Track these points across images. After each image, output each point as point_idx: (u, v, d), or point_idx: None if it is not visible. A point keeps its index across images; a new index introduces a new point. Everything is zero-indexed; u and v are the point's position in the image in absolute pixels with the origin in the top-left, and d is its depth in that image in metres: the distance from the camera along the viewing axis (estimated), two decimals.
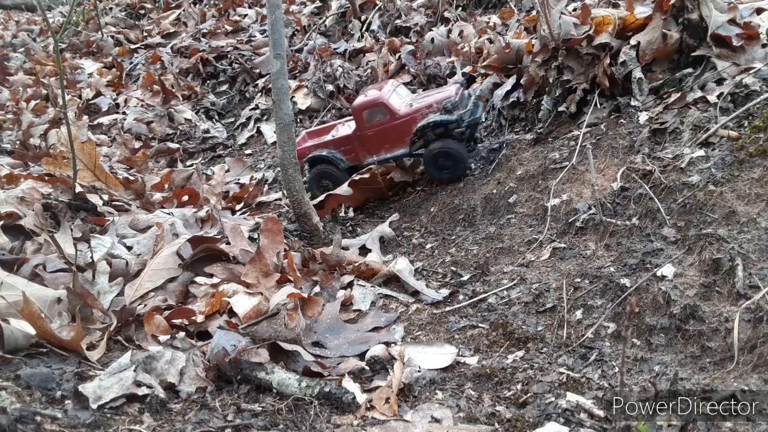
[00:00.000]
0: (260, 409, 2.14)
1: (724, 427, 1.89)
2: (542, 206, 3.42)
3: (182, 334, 2.47)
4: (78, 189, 3.59)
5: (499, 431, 2.05)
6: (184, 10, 9.23)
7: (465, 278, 3.18)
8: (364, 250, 3.68)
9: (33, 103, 6.33)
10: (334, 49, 6.32)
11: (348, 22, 7.15)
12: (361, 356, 2.53)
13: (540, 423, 2.04)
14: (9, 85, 7.15)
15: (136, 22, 9.74)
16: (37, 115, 6.03)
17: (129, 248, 3.18)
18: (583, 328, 2.54)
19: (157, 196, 4.28)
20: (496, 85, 4.51)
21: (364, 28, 6.79)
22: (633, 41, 3.63)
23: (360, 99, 4.26)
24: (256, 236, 3.47)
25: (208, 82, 7.16)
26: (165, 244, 3.08)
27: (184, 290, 2.92)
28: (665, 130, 3.25)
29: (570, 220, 3.19)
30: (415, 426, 2.06)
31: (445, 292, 3.07)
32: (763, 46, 3.34)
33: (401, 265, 3.26)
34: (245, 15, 8.56)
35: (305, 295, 2.86)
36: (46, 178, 3.77)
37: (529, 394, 2.21)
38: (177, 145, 5.84)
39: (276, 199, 4.46)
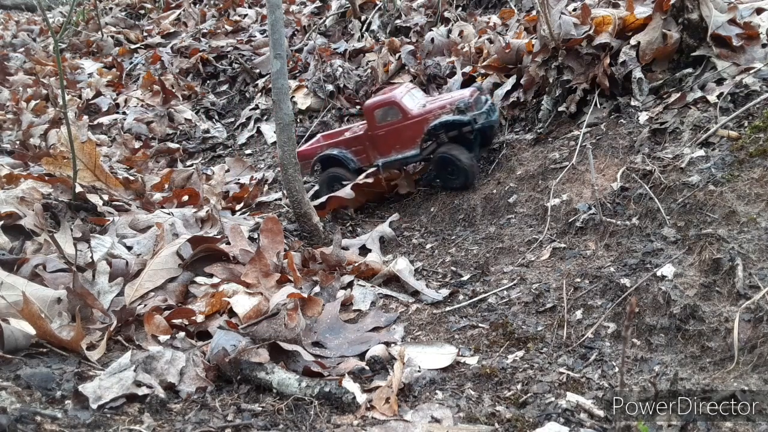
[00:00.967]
0: (260, 409, 2.14)
1: (724, 427, 1.89)
2: (542, 206, 3.42)
3: (182, 334, 2.47)
4: (78, 189, 3.59)
5: (499, 431, 2.05)
6: (184, 10, 9.23)
7: (465, 278, 3.18)
8: (364, 250, 3.68)
9: (33, 103, 6.33)
10: (334, 49, 6.32)
11: (348, 22, 7.15)
12: (361, 356, 2.53)
13: (540, 423, 2.04)
14: (9, 85, 7.15)
15: (136, 22, 9.74)
16: (37, 115, 6.03)
17: (129, 248, 3.18)
18: (583, 328, 2.54)
19: (157, 196, 4.28)
20: (496, 85, 4.51)
21: (364, 28, 6.78)
22: (633, 41, 3.63)
23: (372, 99, 4.24)
24: (256, 236, 3.47)
25: (208, 82, 7.16)
26: (165, 244, 3.08)
27: (184, 290, 2.92)
28: (665, 130, 3.25)
29: (570, 220, 3.19)
30: (415, 426, 2.06)
31: (445, 292, 3.07)
32: (763, 46, 3.34)
33: (401, 265, 3.26)
34: (245, 15, 8.56)
35: (305, 295, 2.86)
36: (46, 178, 3.77)
37: (529, 394, 2.21)
38: (177, 145, 5.83)
39: (276, 199, 4.45)
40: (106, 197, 3.86)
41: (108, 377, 2.11)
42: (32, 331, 2.26)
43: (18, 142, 5.40)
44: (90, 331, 2.49)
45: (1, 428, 1.70)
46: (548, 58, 3.98)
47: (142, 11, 10.23)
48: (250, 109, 6.30)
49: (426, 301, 3.02)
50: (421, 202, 4.16)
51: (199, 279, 3.00)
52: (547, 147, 3.83)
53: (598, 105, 3.75)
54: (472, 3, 6.61)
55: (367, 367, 2.44)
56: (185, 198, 4.12)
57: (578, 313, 2.62)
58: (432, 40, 5.59)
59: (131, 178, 4.42)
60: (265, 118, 6.08)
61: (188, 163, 5.61)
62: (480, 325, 2.74)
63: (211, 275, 3.01)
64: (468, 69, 4.86)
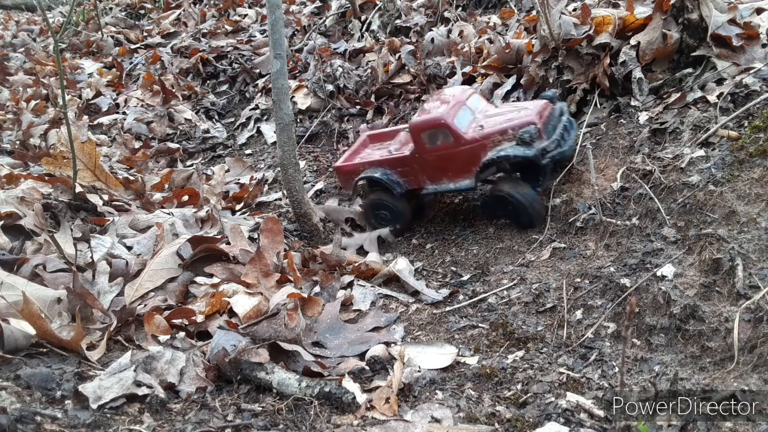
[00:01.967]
0: (260, 409, 2.14)
1: (724, 427, 1.89)
2: (542, 206, 3.41)
3: (182, 334, 2.47)
4: (78, 189, 3.59)
5: (499, 431, 2.05)
6: (184, 10, 9.22)
7: (465, 278, 3.18)
8: (363, 250, 3.68)
9: (33, 103, 6.32)
10: (334, 49, 6.31)
11: (348, 22, 7.15)
12: (361, 356, 2.53)
13: (540, 423, 2.04)
14: (9, 85, 7.15)
15: (136, 22, 9.73)
16: (37, 115, 6.02)
17: (129, 248, 3.18)
18: (583, 328, 2.54)
19: (157, 196, 4.28)
20: (496, 85, 4.51)
21: (364, 28, 6.78)
22: (633, 41, 3.63)
23: (418, 117, 3.52)
24: (256, 236, 3.48)
25: (208, 82, 7.16)
26: (165, 244, 3.08)
27: (184, 290, 2.92)
28: (665, 130, 3.25)
29: (570, 220, 3.19)
30: (415, 426, 2.06)
31: (445, 292, 3.07)
32: (763, 46, 3.34)
33: (401, 265, 3.26)
34: (245, 15, 8.56)
35: (305, 295, 2.86)
36: (46, 178, 3.77)
37: (529, 394, 2.21)
38: (177, 145, 5.83)
39: (276, 199, 4.45)
40: (106, 197, 3.86)
41: (108, 377, 2.11)
42: (32, 331, 2.26)
43: (18, 142, 5.40)
44: (90, 331, 2.49)
45: (1, 428, 1.70)
46: (548, 58, 3.98)
47: (142, 11, 10.22)
48: (250, 109, 6.30)
49: (426, 301, 3.02)
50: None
51: (199, 279, 3.00)
52: None
53: (598, 105, 3.75)
54: (472, 3, 6.61)
55: (367, 367, 2.44)
56: (185, 198, 4.12)
57: (578, 313, 2.62)
58: (432, 40, 5.58)
59: (131, 178, 4.42)
60: (265, 118, 6.08)
61: (188, 163, 5.60)
62: (480, 325, 2.74)
63: (211, 275, 3.02)
64: (468, 69, 4.85)
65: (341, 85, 5.62)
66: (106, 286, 2.78)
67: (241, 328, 2.50)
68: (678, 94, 3.36)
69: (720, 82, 3.29)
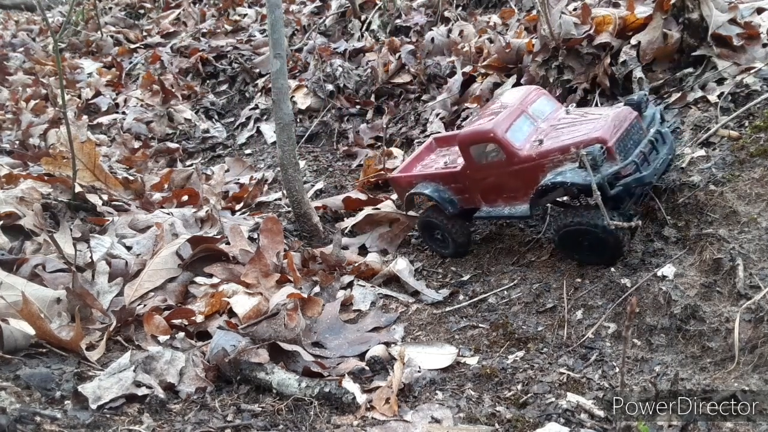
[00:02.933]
0: (260, 409, 2.14)
1: (724, 427, 1.88)
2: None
3: (182, 334, 2.47)
4: (77, 189, 3.58)
5: (500, 431, 2.04)
6: (183, 10, 9.21)
7: (465, 278, 3.18)
8: (363, 250, 3.68)
9: (32, 102, 6.32)
10: (334, 48, 6.31)
11: (348, 21, 7.14)
12: (361, 356, 2.53)
13: (540, 423, 2.04)
14: (8, 84, 7.15)
15: (136, 22, 9.72)
16: (36, 114, 6.02)
17: (128, 248, 3.18)
18: (583, 328, 2.54)
19: (157, 196, 4.28)
20: (496, 85, 4.50)
21: (364, 28, 6.78)
22: (633, 41, 3.63)
23: (467, 129, 3.04)
24: (255, 236, 3.47)
25: (207, 81, 7.15)
26: (164, 244, 3.08)
27: (184, 290, 2.92)
28: None
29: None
30: (415, 426, 2.06)
31: (445, 292, 3.07)
32: (764, 45, 3.34)
33: (401, 265, 3.26)
34: (245, 15, 8.55)
35: (305, 295, 2.86)
36: (46, 178, 3.77)
37: (529, 395, 2.21)
38: (177, 145, 5.82)
39: (276, 199, 4.45)
40: (105, 197, 3.85)
41: (107, 377, 2.10)
42: (32, 331, 2.26)
43: (17, 142, 5.40)
44: (89, 331, 2.48)
45: (0, 428, 1.70)
46: (549, 57, 3.98)
47: (142, 11, 10.21)
48: (250, 109, 6.30)
49: (426, 302, 3.02)
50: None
51: (198, 279, 3.00)
52: None
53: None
54: (472, 2, 6.60)
55: (367, 368, 2.44)
56: (185, 198, 4.11)
57: (578, 313, 2.61)
58: (432, 39, 5.58)
59: (131, 178, 4.42)
60: (265, 118, 6.08)
61: (188, 163, 5.60)
62: (480, 325, 2.74)
63: (210, 275, 3.01)
64: (468, 69, 4.85)
65: (341, 85, 5.62)
66: (106, 286, 2.77)
67: (241, 328, 2.50)
68: (678, 94, 3.36)
69: (720, 81, 3.29)
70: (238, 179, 4.96)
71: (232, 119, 6.49)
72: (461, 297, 3.01)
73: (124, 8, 10.29)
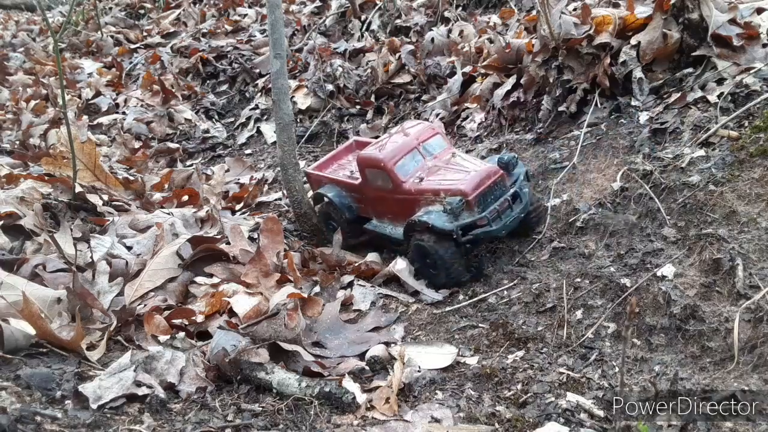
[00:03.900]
0: (260, 409, 2.14)
1: (724, 427, 1.89)
2: (543, 206, 3.41)
3: (182, 334, 2.47)
4: (78, 189, 3.59)
5: (499, 431, 2.05)
6: (183, 10, 9.22)
7: (465, 278, 3.18)
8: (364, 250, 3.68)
9: (33, 103, 6.32)
10: (334, 48, 6.31)
11: (348, 21, 7.14)
12: (361, 356, 2.53)
13: (540, 423, 2.04)
14: (9, 85, 7.15)
15: (136, 22, 9.73)
16: (36, 115, 6.02)
17: (129, 248, 3.18)
18: (583, 328, 2.54)
19: (157, 196, 4.28)
20: (496, 85, 4.50)
21: (364, 28, 6.78)
22: (633, 41, 3.63)
23: (365, 151, 3.38)
24: (256, 236, 3.47)
25: (208, 82, 7.16)
26: (165, 244, 3.08)
27: (184, 290, 2.92)
28: (665, 130, 3.25)
29: (570, 220, 3.19)
30: (415, 426, 2.06)
31: (445, 292, 3.07)
32: (764, 45, 3.34)
33: (401, 265, 3.26)
34: (245, 15, 8.55)
35: (305, 295, 2.86)
36: (46, 178, 3.77)
37: (529, 394, 2.21)
38: (177, 145, 5.83)
39: (276, 199, 4.45)
40: (105, 197, 3.85)
41: (108, 377, 2.11)
42: (32, 331, 2.26)
43: (18, 142, 5.40)
44: (90, 331, 2.49)
45: (1, 428, 1.70)
46: (548, 57, 3.98)
47: (142, 11, 10.22)
48: (250, 109, 6.30)
49: (426, 301, 3.02)
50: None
51: (199, 279, 3.00)
52: (547, 147, 3.83)
53: (599, 105, 3.74)
54: (472, 3, 6.60)
55: (367, 367, 2.44)
56: (185, 198, 4.12)
57: (578, 313, 2.62)
58: (432, 39, 5.58)
59: (131, 178, 4.42)
60: (265, 118, 6.08)
61: (188, 163, 5.60)
62: (480, 325, 2.74)
63: (211, 275, 3.01)
64: (468, 69, 4.85)
65: (341, 85, 5.62)
66: (106, 286, 2.78)
67: (241, 328, 2.50)
68: (678, 94, 3.36)
69: (720, 81, 3.29)
70: (238, 179, 4.96)
71: (232, 119, 6.50)
72: (461, 297, 3.01)
73: (124, 8, 10.30)
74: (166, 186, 4.55)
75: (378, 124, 5.13)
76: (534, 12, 5.03)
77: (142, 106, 6.47)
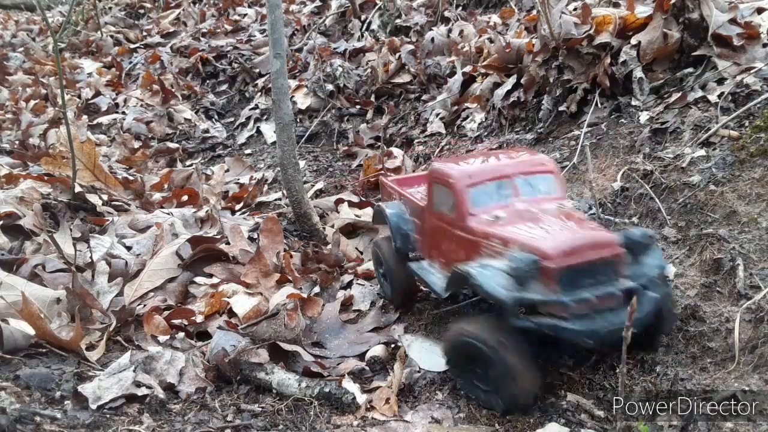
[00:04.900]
0: (260, 409, 2.14)
1: (724, 427, 1.88)
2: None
3: (182, 334, 2.47)
4: (77, 189, 3.58)
5: (499, 431, 2.04)
6: (183, 10, 9.22)
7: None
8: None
9: (32, 102, 6.32)
10: (334, 48, 6.31)
11: (348, 21, 7.14)
12: (361, 356, 2.53)
13: (540, 423, 2.04)
14: (8, 84, 7.15)
15: (136, 22, 9.72)
16: (36, 114, 6.02)
17: (128, 248, 3.18)
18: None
19: (157, 196, 4.28)
20: (497, 85, 4.50)
21: (364, 28, 6.78)
22: (634, 41, 3.63)
23: (440, 162, 2.61)
24: (255, 236, 3.47)
25: (207, 81, 7.15)
26: (164, 244, 3.08)
27: (184, 290, 2.92)
28: (666, 130, 3.25)
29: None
30: (415, 426, 2.06)
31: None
32: (764, 45, 3.33)
33: None
34: (245, 14, 8.55)
35: (305, 295, 2.85)
36: (46, 178, 3.77)
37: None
38: (176, 145, 5.83)
39: (276, 199, 4.45)
40: (105, 197, 3.85)
41: (107, 377, 2.10)
42: (32, 331, 2.26)
43: (17, 142, 5.40)
44: (89, 331, 2.48)
45: (1, 428, 1.70)
46: (549, 57, 3.98)
47: (142, 11, 10.21)
48: (250, 109, 6.30)
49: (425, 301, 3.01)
50: None
51: (198, 279, 3.00)
52: (547, 147, 3.83)
53: (599, 105, 3.74)
54: (472, 2, 6.60)
55: (367, 368, 2.43)
56: (185, 198, 4.12)
57: None
58: (432, 39, 5.58)
59: (131, 177, 4.42)
60: (265, 117, 6.08)
61: (188, 163, 5.60)
62: None
63: (210, 275, 3.01)
64: (468, 68, 4.85)
65: (341, 85, 5.62)
66: (106, 287, 2.77)
67: (241, 328, 2.50)
68: (679, 94, 3.35)
69: (721, 81, 3.29)
70: (238, 179, 4.96)
71: (232, 119, 6.49)
72: (461, 297, 3.01)
73: (124, 8, 10.29)
74: (166, 186, 4.55)
75: (378, 124, 5.12)
76: (534, 12, 5.03)
77: (141, 105, 6.46)
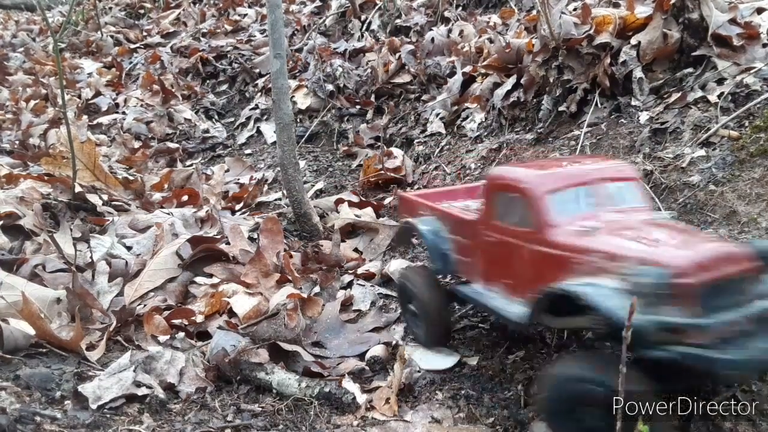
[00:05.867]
0: (260, 409, 2.14)
1: (724, 427, 1.88)
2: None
3: (182, 334, 2.47)
4: (77, 189, 3.58)
5: (500, 431, 2.04)
6: (183, 10, 9.22)
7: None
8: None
9: (32, 102, 6.32)
10: (334, 48, 6.31)
11: (348, 21, 7.14)
12: (361, 356, 2.53)
13: (541, 422, 2.04)
14: (8, 84, 7.15)
15: (136, 22, 9.72)
16: (36, 114, 6.02)
17: (128, 248, 3.18)
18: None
19: (157, 196, 4.28)
20: (497, 85, 4.50)
21: (364, 28, 6.78)
22: (633, 41, 3.63)
23: (502, 168, 2.47)
24: (255, 236, 3.47)
25: (207, 81, 7.15)
26: (164, 244, 3.08)
27: (184, 290, 2.92)
28: (666, 130, 3.25)
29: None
30: (415, 426, 2.06)
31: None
32: (764, 45, 3.33)
33: (395, 266, 3.26)
34: (245, 15, 8.55)
35: (305, 295, 2.86)
36: (46, 178, 3.77)
37: (529, 395, 2.20)
38: (176, 145, 5.83)
39: (276, 199, 4.45)
40: (105, 197, 3.85)
41: (107, 377, 2.10)
42: (32, 331, 2.26)
43: (17, 142, 5.40)
44: (89, 331, 2.49)
45: (1, 428, 1.70)
46: (549, 57, 3.98)
47: (142, 11, 10.21)
48: (250, 109, 6.30)
49: None
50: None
51: (198, 279, 3.00)
52: (547, 147, 3.83)
53: (599, 105, 3.74)
54: (472, 2, 6.60)
55: (367, 368, 2.44)
56: (185, 198, 4.12)
57: None
58: (432, 39, 5.58)
59: (131, 178, 4.42)
60: (265, 118, 6.08)
61: (188, 163, 5.60)
62: (480, 325, 2.73)
63: (210, 275, 3.01)
64: (468, 69, 4.85)
65: (341, 85, 5.62)
66: (106, 287, 2.77)
67: (241, 328, 2.50)
68: (678, 94, 3.36)
69: (720, 81, 3.29)
70: (238, 179, 4.96)
71: (232, 119, 6.49)
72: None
73: (124, 8, 10.29)
74: (166, 186, 4.55)
75: (378, 124, 5.12)
76: (534, 12, 5.03)
77: (141, 106, 6.46)
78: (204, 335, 2.57)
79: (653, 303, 1.57)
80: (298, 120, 5.60)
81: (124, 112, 6.38)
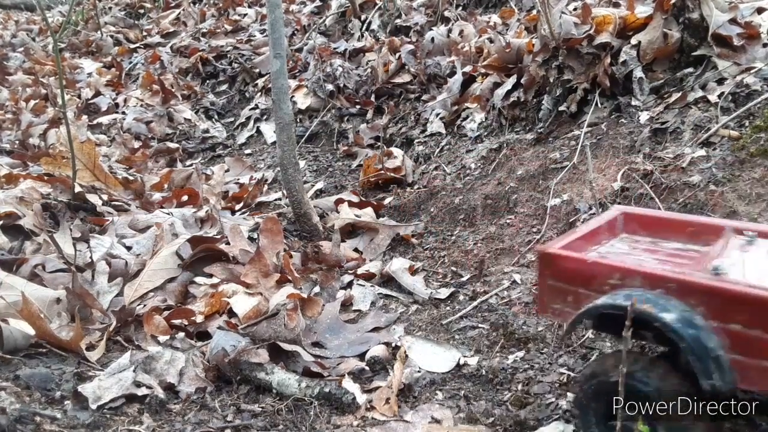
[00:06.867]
0: (260, 409, 2.14)
1: (724, 427, 1.88)
2: (543, 206, 3.41)
3: (182, 334, 2.47)
4: (77, 189, 3.58)
5: (499, 431, 2.04)
6: (183, 10, 9.21)
7: (465, 278, 3.17)
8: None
9: (32, 102, 6.32)
10: (334, 48, 6.30)
11: (348, 21, 7.14)
12: (361, 356, 2.53)
13: (541, 424, 2.04)
14: (8, 84, 7.14)
15: (136, 22, 9.72)
16: (36, 114, 6.01)
17: (128, 248, 3.18)
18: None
19: (157, 196, 4.28)
20: (497, 85, 4.50)
21: (364, 28, 6.77)
22: (634, 41, 3.63)
23: None
24: (255, 236, 3.47)
25: (207, 81, 7.15)
26: (164, 244, 3.08)
27: (184, 290, 2.92)
28: (666, 130, 3.25)
29: (570, 220, 3.18)
30: (415, 426, 2.06)
31: (445, 291, 3.06)
32: (764, 45, 3.33)
33: (396, 265, 3.26)
34: (245, 14, 8.54)
35: (305, 296, 2.85)
36: (45, 177, 3.77)
37: (529, 395, 2.20)
38: (176, 145, 5.82)
39: (276, 199, 4.45)
40: (105, 197, 3.85)
41: (107, 377, 2.10)
42: (31, 331, 2.26)
43: (17, 142, 5.40)
44: (89, 331, 2.49)
45: (0, 428, 1.70)
46: (549, 57, 3.97)
47: (142, 11, 10.21)
48: (250, 109, 6.29)
49: (426, 301, 3.01)
50: (421, 202, 4.15)
51: (198, 279, 3.00)
52: (547, 147, 3.83)
53: (599, 105, 3.74)
54: (472, 2, 6.60)
55: (367, 368, 2.44)
56: (185, 198, 4.11)
57: None
58: (432, 39, 5.57)
59: (130, 177, 4.42)
60: (265, 117, 6.07)
61: (188, 163, 5.59)
62: (480, 325, 2.73)
63: (210, 275, 3.01)
64: (468, 68, 4.85)
65: (341, 85, 5.61)
66: (106, 287, 2.77)
67: (241, 328, 2.50)
68: (679, 94, 3.35)
69: (721, 81, 3.29)
70: (238, 179, 4.95)
71: (232, 119, 6.49)
72: (461, 297, 3.01)
73: (124, 8, 10.29)
74: (166, 186, 4.55)
75: (378, 124, 5.12)
76: (534, 12, 5.03)
77: (141, 105, 6.46)
78: (204, 335, 2.57)
79: None
80: (298, 120, 5.60)
81: (123, 112, 6.38)
